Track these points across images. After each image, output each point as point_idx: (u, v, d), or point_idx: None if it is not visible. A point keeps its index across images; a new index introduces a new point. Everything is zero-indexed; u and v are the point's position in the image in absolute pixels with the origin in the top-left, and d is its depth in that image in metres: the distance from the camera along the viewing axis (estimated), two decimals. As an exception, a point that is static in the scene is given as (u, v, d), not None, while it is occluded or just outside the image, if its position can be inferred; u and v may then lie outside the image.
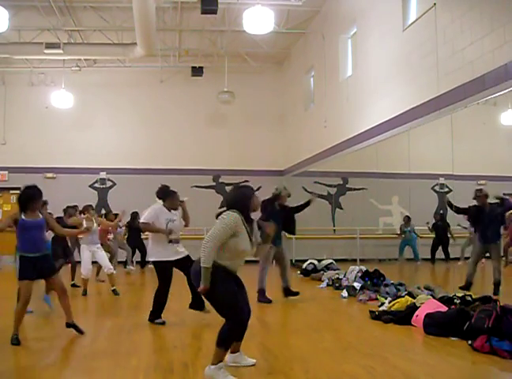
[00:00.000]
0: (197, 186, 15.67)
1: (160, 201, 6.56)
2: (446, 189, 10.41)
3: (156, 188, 6.68)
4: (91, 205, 9.23)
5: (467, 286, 8.00)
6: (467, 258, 10.64)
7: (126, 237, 13.46)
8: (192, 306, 6.57)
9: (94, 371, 4.38)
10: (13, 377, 4.35)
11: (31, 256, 5.26)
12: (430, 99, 7.78)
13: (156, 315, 6.25)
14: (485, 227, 8.24)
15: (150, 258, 6.55)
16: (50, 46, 12.09)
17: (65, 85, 14.29)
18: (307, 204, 8.54)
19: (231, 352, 4.36)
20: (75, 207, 9.82)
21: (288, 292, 8.31)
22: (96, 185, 15.66)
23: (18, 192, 5.41)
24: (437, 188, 13.08)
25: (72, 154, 15.30)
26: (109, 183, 15.75)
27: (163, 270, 6.28)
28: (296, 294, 8.31)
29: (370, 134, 9.87)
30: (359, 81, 10.65)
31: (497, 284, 7.88)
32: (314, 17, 13.09)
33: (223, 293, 3.98)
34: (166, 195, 6.51)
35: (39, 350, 4.90)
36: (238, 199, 4.21)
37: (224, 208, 4.22)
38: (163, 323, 6.19)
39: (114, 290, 8.70)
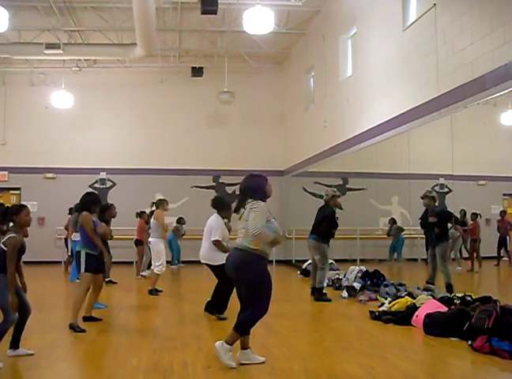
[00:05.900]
0: (197, 187, 15.67)
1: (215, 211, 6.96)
2: (446, 190, 10.37)
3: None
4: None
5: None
6: (466, 258, 10.63)
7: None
8: (208, 309, 6.86)
9: (94, 371, 4.38)
10: (13, 376, 4.35)
11: (95, 254, 6.01)
12: (430, 100, 7.78)
13: (221, 308, 6.59)
14: (426, 231, 8.34)
15: (217, 263, 6.59)
16: (50, 46, 12.10)
17: (65, 85, 14.28)
18: None
19: (242, 348, 4.48)
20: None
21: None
22: (96, 185, 15.64)
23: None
24: (437, 188, 13.04)
25: (72, 154, 15.32)
26: (109, 183, 15.74)
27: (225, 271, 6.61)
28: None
29: (371, 134, 9.87)
30: (359, 81, 10.65)
31: (447, 286, 7.59)
32: (314, 17, 13.09)
33: (265, 281, 4.33)
34: (223, 206, 6.95)
35: (40, 350, 4.89)
36: (257, 188, 4.42)
37: (245, 200, 4.40)
38: (225, 318, 6.40)
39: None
